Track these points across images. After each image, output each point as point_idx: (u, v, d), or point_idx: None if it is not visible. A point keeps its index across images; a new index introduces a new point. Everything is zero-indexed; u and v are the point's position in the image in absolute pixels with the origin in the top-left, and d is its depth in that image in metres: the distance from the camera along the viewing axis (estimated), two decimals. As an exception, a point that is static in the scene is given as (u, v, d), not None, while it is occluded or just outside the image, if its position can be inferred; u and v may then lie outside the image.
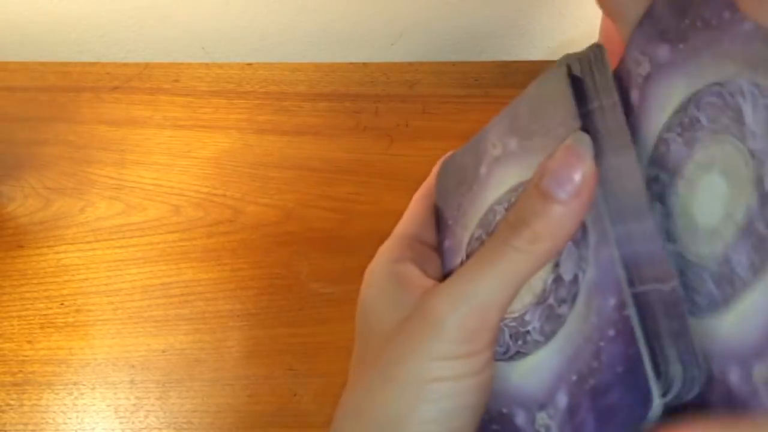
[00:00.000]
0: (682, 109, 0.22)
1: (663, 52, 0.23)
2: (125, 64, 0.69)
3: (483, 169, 0.28)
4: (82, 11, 0.73)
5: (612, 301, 0.22)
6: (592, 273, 0.23)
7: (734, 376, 0.20)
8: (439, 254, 0.29)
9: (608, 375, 0.22)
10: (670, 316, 0.21)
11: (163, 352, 0.44)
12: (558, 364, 0.23)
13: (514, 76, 0.65)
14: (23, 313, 0.47)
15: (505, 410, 0.24)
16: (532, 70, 0.64)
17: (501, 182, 0.27)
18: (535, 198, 0.23)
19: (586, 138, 0.23)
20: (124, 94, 0.65)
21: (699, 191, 0.22)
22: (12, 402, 0.42)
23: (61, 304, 0.47)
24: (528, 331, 0.24)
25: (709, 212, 0.21)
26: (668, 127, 0.23)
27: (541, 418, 0.23)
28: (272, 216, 0.52)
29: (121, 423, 0.41)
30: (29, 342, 0.45)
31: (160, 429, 0.40)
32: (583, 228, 0.23)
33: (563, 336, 0.23)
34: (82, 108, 0.64)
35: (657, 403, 0.20)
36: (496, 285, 0.23)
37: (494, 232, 0.24)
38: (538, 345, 0.24)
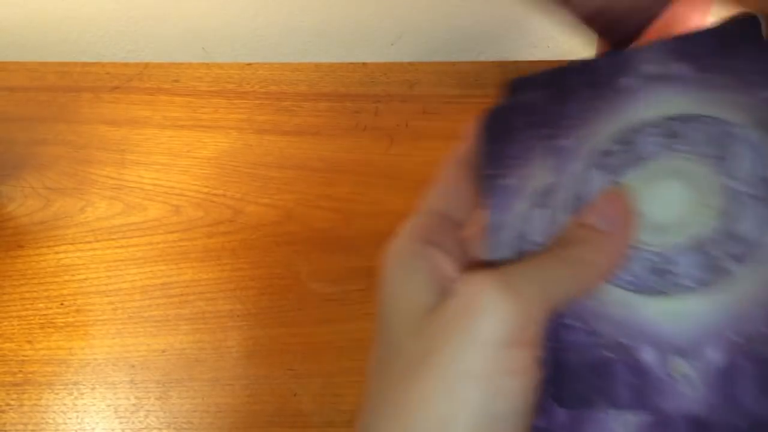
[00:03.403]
0: (674, 119, 0.25)
1: (681, 69, 0.25)
2: (125, 64, 0.69)
3: (628, 81, 0.26)
4: (82, 11, 0.73)
5: None
6: None
7: (648, 356, 0.23)
8: (486, 198, 0.27)
9: None
10: None
11: (163, 352, 0.44)
12: (715, 318, 0.22)
13: (514, 76, 0.64)
14: (23, 313, 0.47)
15: (625, 341, 0.23)
16: (533, 70, 0.64)
17: (659, 103, 0.25)
18: (582, 229, 0.24)
19: (629, 188, 0.25)
20: (124, 94, 0.65)
21: (658, 189, 0.24)
22: (12, 402, 0.42)
23: (61, 304, 0.47)
24: (672, 272, 0.24)
25: (659, 210, 0.24)
26: (649, 124, 0.25)
27: (680, 365, 0.22)
28: (272, 216, 0.52)
29: (121, 423, 0.41)
30: (29, 342, 0.45)
31: (160, 429, 0.40)
32: None
33: (729, 293, 0.22)
34: (82, 108, 0.64)
35: None
36: (545, 286, 0.23)
37: (548, 247, 0.25)
38: (686, 290, 0.23)
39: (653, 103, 0.25)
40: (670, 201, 0.24)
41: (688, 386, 0.22)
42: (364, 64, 0.67)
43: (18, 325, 0.46)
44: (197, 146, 0.59)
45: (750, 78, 0.24)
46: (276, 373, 0.42)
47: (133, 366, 0.43)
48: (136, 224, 0.52)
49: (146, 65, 0.68)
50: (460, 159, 0.29)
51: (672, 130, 0.25)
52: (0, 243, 0.51)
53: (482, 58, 0.73)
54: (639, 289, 0.24)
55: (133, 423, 0.41)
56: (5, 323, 0.46)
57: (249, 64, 0.68)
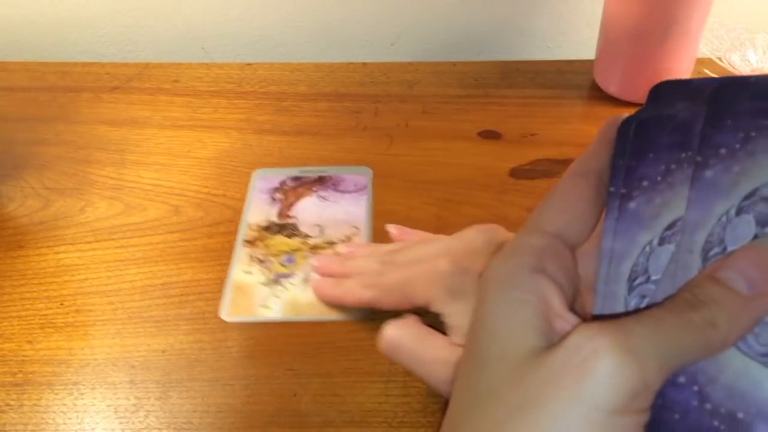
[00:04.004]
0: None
1: None
2: (125, 64, 0.69)
3: None
4: (82, 11, 0.73)
5: None
6: None
7: (762, 429, 0.20)
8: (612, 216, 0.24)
9: None
10: None
11: (163, 352, 0.44)
12: None
13: (514, 76, 0.65)
14: (23, 313, 0.47)
15: (741, 415, 0.21)
16: (532, 70, 0.64)
17: None
18: (716, 286, 0.21)
19: None
20: (124, 94, 0.65)
21: None
22: (12, 402, 0.42)
23: (61, 304, 0.47)
24: None
25: None
26: (749, 197, 0.22)
27: None
28: (272, 216, 0.52)
29: (120, 423, 0.41)
30: (29, 342, 0.45)
31: (160, 429, 0.40)
32: None
33: None
34: (82, 108, 0.64)
35: None
36: (667, 350, 0.20)
37: (674, 300, 0.22)
38: None
39: None
40: None
41: None
42: (364, 64, 0.67)
43: (18, 325, 0.46)
44: (197, 146, 0.59)
45: None
46: (276, 373, 0.42)
47: (133, 366, 0.43)
48: (136, 224, 0.52)
49: (146, 65, 0.68)
50: (583, 170, 0.26)
51: None
52: (0, 243, 0.51)
53: (482, 58, 0.73)
54: (762, 360, 0.21)
55: (133, 423, 0.41)
56: (5, 323, 0.46)
57: (249, 64, 0.68)
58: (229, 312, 0.45)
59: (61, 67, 0.69)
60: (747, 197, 0.22)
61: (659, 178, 0.23)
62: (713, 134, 0.22)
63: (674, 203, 0.23)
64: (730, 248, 0.22)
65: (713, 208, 0.22)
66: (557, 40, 0.72)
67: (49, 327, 0.46)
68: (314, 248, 0.49)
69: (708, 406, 0.21)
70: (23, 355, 0.44)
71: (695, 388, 0.21)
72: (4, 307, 0.47)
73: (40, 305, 0.47)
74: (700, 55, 0.59)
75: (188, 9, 0.72)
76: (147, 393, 0.42)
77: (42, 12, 0.73)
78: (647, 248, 0.23)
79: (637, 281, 0.23)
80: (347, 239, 0.49)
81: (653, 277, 0.23)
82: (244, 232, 0.50)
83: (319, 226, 0.50)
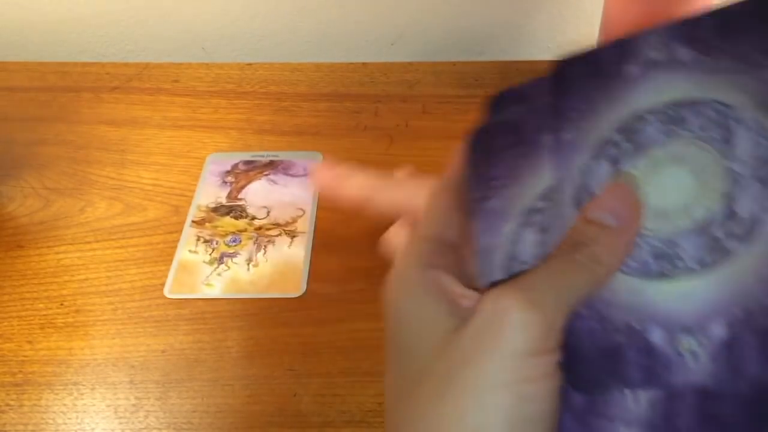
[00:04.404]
0: (677, 105, 0.25)
1: (684, 54, 0.25)
2: (125, 64, 0.69)
3: (632, 69, 0.26)
4: (82, 11, 0.73)
5: None
6: None
7: (657, 337, 0.24)
8: (474, 224, 0.28)
9: None
10: None
11: (163, 352, 0.44)
12: (717, 296, 0.23)
13: (514, 76, 0.65)
14: (23, 313, 0.47)
15: (635, 324, 0.24)
16: (532, 70, 0.64)
17: (661, 90, 0.25)
18: (590, 226, 0.25)
19: (633, 178, 0.25)
20: (124, 94, 0.65)
21: (661, 176, 0.25)
22: (12, 402, 0.42)
23: (61, 304, 0.47)
24: (677, 256, 0.24)
25: (665, 197, 0.25)
26: (652, 111, 0.25)
27: (688, 342, 0.23)
28: (272, 216, 0.52)
29: (120, 423, 0.41)
30: (29, 342, 0.45)
31: (160, 429, 0.40)
32: None
33: (731, 271, 0.23)
34: (82, 108, 0.64)
35: None
36: (562, 293, 0.24)
37: (559, 247, 0.25)
38: (690, 272, 0.24)
39: (656, 90, 0.25)
40: (675, 187, 0.25)
41: (694, 361, 0.23)
42: (364, 64, 0.67)
43: (18, 325, 0.46)
44: (197, 146, 0.59)
45: (754, 58, 0.24)
46: (276, 373, 0.42)
47: (133, 366, 0.43)
48: (136, 224, 0.52)
49: (146, 65, 0.68)
50: (447, 184, 0.29)
51: (675, 116, 0.25)
52: (0, 243, 0.51)
53: (482, 58, 0.73)
54: (646, 275, 0.24)
55: (133, 423, 0.41)
56: (5, 323, 0.46)
57: (249, 64, 0.68)
58: (171, 289, 0.47)
59: (61, 67, 0.69)
60: (598, 145, 0.26)
61: (506, 175, 0.27)
62: (562, 104, 0.27)
63: (529, 185, 0.27)
64: (596, 192, 0.26)
65: (574, 163, 0.26)
66: (557, 40, 0.72)
67: (49, 327, 0.46)
68: (259, 229, 0.50)
69: (609, 326, 0.24)
70: (23, 355, 0.44)
71: (595, 315, 0.25)
72: (4, 307, 0.47)
73: (40, 305, 0.47)
74: (700, 55, 0.59)
75: (188, 9, 0.72)
76: (147, 393, 0.42)
77: (42, 12, 0.73)
78: (513, 236, 0.27)
79: (512, 268, 0.26)
80: (293, 221, 0.51)
81: (523, 260, 0.26)
82: (193, 214, 0.52)
83: (266, 207, 0.52)
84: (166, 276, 0.48)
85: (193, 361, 0.43)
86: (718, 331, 0.23)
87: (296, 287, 0.46)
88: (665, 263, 0.24)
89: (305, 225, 0.51)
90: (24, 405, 0.42)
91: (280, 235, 0.50)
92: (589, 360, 0.24)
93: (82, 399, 0.42)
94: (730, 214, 0.24)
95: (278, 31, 0.74)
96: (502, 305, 0.23)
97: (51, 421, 0.41)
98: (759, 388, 0.22)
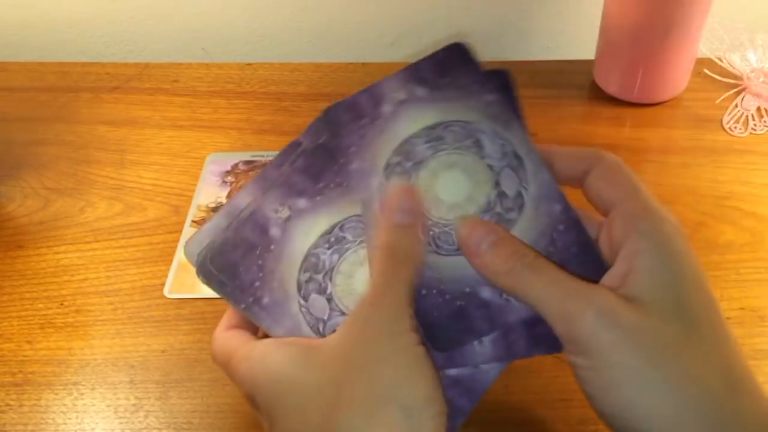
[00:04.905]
0: (431, 128, 0.33)
1: (421, 91, 0.34)
2: (125, 64, 0.69)
3: (387, 108, 0.34)
4: (82, 11, 0.73)
5: (558, 207, 0.31)
6: (534, 189, 0.32)
7: (486, 293, 0.30)
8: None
9: (564, 254, 0.31)
10: None
11: (163, 352, 0.44)
12: None
13: (514, 76, 0.64)
14: (23, 313, 0.47)
15: (468, 289, 0.31)
16: (532, 70, 0.64)
17: (416, 119, 0.33)
18: (394, 229, 0.31)
19: (412, 184, 0.32)
20: (123, 94, 0.65)
21: (443, 179, 0.32)
22: (12, 402, 0.42)
23: (61, 304, 0.47)
24: None
25: (453, 193, 0.32)
26: (414, 135, 0.33)
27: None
28: (272, 216, 0.52)
29: (120, 423, 0.41)
30: (29, 342, 0.45)
31: (159, 429, 0.40)
32: (518, 159, 0.32)
33: (518, 233, 0.31)
34: (81, 108, 0.64)
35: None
36: (394, 286, 0.29)
37: (375, 253, 0.31)
38: None
39: (412, 120, 0.33)
40: (456, 185, 0.32)
41: (517, 302, 0.30)
42: (364, 64, 0.67)
43: (18, 325, 0.46)
44: (197, 146, 0.59)
45: (472, 87, 0.34)
46: (276, 373, 0.42)
47: (133, 366, 0.43)
48: (136, 224, 0.52)
49: (146, 65, 0.68)
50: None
51: (434, 135, 0.33)
52: (0, 243, 0.51)
53: (482, 58, 0.72)
54: (459, 252, 0.31)
55: (133, 423, 0.41)
56: (5, 323, 0.46)
57: (249, 64, 0.68)
58: (171, 289, 0.47)
59: (61, 67, 0.69)
60: (385, 168, 0.33)
61: (255, 278, 0.33)
62: (339, 143, 0.33)
63: (276, 286, 0.33)
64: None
65: (371, 183, 0.32)
66: (557, 40, 0.72)
67: (48, 327, 0.46)
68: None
69: (448, 296, 0.31)
70: (23, 355, 0.44)
71: (434, 291, 0.31)
72: (4, 307, 0.47)
73: (40, 305, 0.47)
74: (700, 55, 0.59)
75: (188, 9, 0.72)
76: (147, 393, 0.42)
77: (42, 12, 0.73)
78: (297, 320, 0.32)
79: (321, 328, 0.32)
80: None
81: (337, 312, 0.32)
82: (193, 213, 0.52)
83: None
84: (166, 276, 0.48)
85: (193, 361, 0.43)
86: None
87: (296, 287, 0.46)
88: None
89: (305, 225, 0.51)
90: (24, 405, 0.42)
91: (279, 234, 0.50)
92: (443, 326, 0.30)
93: (82, 399, 0.42)
94: (502, 194, 0.32)
95: (278, 31, 0.74)
96: (365, 312, 0.29)
97: (51, 421, 0.41)
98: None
